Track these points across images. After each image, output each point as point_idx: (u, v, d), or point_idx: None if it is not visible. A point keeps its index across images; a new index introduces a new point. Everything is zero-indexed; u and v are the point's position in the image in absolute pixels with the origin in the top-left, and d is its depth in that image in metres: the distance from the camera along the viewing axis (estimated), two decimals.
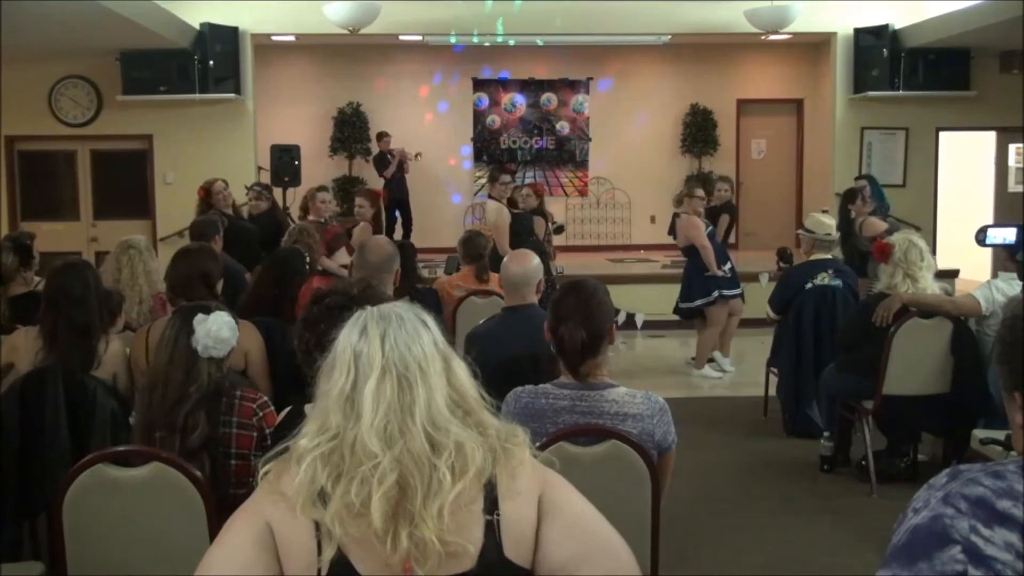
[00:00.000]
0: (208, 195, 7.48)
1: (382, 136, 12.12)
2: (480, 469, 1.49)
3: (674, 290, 9.85)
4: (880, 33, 10.75)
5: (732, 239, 10.04)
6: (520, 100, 13.39)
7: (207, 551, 1.57)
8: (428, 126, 13.14)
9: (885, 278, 5.03)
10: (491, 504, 1.52)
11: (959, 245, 9.39)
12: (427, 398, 1.51)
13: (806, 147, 13.25)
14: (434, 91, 13.25)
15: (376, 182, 11.87)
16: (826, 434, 5.38)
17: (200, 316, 2.80)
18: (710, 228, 7.63)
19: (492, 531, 1.51)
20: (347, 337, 1.56)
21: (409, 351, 1.53)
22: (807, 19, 10.58)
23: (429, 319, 1.62)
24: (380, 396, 1.49)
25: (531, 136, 13.43)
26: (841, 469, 5.35)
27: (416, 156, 12.20)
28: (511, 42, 12.28)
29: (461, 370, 1.60)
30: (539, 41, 12.40)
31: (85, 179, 10.99)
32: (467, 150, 13.46)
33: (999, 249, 5.21)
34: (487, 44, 12.50)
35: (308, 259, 4.74)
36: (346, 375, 1.52)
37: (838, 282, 5.96)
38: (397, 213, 11.95)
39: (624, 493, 2.67)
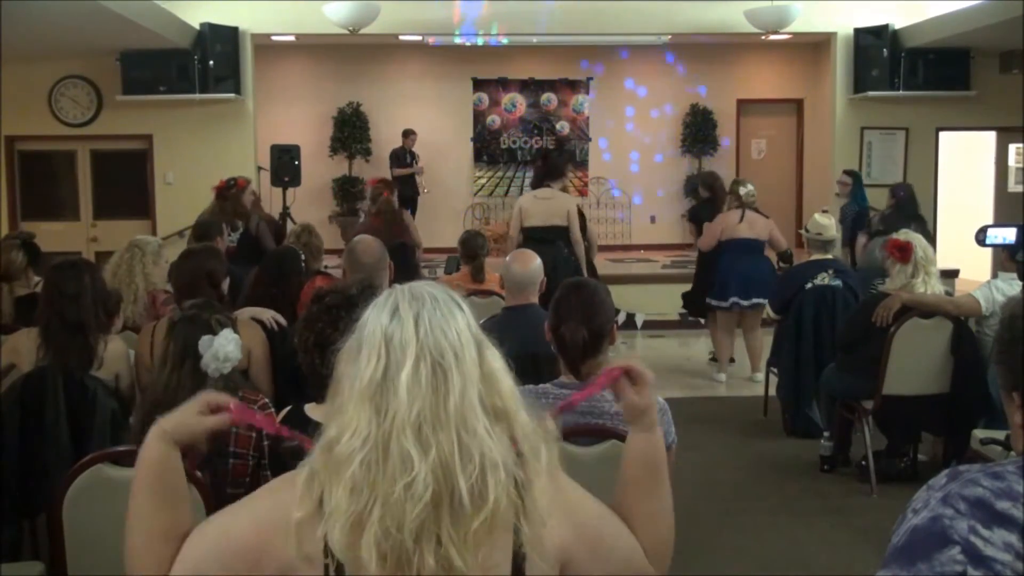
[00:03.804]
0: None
1: (408, 133, 12.12)
2: (497, 499, 1.36)
3: (674, 289, 9.91)
4: (880, 33, 10.75)
5: None
6: (520, 100, 13.39)
7: (218, 515, 1.53)
8: (428, 126, 13.14)
9: (902, 277, 4.99)
10: (518, 534, 1.42)
11: (959, 245, 9.40)
12: (461, 389, 1.37)
13: (806, 147, 13.25)
14: (434, 91, 13.24)
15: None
16: (826, 434, 5.38)
17: (205, 340, 2.77)
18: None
19: (518, 561, 1.42)
20: (376, 318, 1.41)
21: (444, 336, 1.39)
22: (807, 19, 10.58)
23: (462, 301, 1.47)
24: (415, 386, 1.36)
25: (531, 136, 13.43)
26: (841, 469, 5.35)
27: (424, 191, 12.26)
28: (506, 40, 12.30)
29: (495, 359, 1.46)
30: (535, 40, 12.41)
31: (85, 179, 10.99)
32: (467, 150, 13.45)
33: (999, 249, 5.22)
34: (482, 44, 12.51)
35: (304, 258, 4.74)
36: (376, 361, 1.38)
37: (838, 282, 5.96)
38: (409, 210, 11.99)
39: None
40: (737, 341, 7.69)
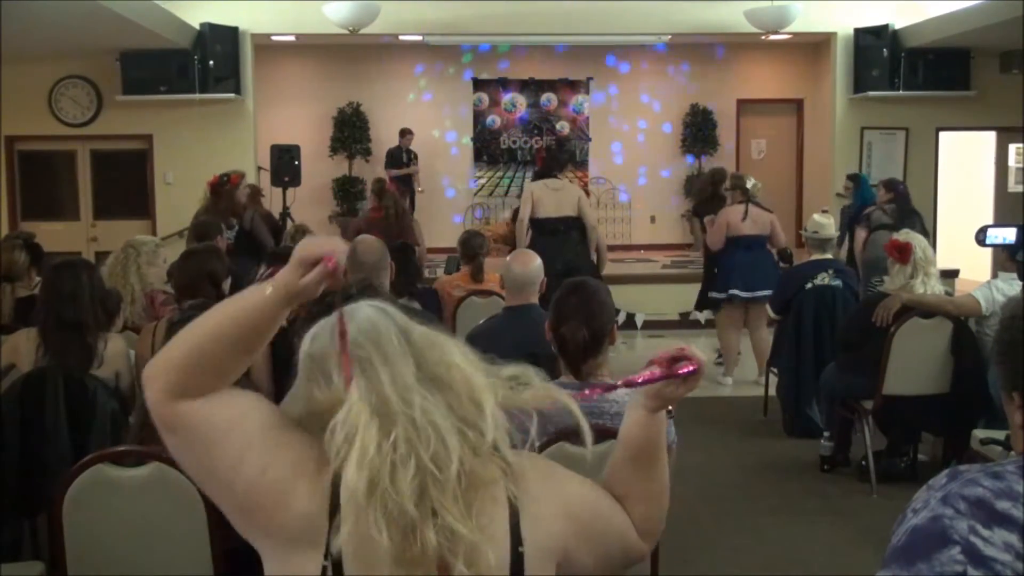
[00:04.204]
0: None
1: (405, 133, 12.11)
2: (461, 457, 1.40)
3: (673, 290, 9.91)
4: (880, 33, 10.75)
5: None
6: (520, 100, 13.39)
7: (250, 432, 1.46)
8: (427, 126, 13.14)
9: (900, 278, 4.99)
10: (515, 529, 1.45)
11: (959, 245, 9.40)
12: (389, 372, 1.42)
13: (806, 147, 13.24)
14: (433, 91, 13.24)
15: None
16: (826, 434, 5.38)
17: None
18: None
19: (515, 521, 1.45)
20: (301, 350, 1.50)
21: (358, 330, 1.44)
22: (807, 19, 10.58)
23: (388, 306, 1.53)
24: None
25: (531, 136, 13.42)
26: (841, 469, 5.35)
27: (419, 190, 12.25)
28: (509, 44, 12.31)
29: (427, 336, 1.50)
30: (534, 40, 12.42)
31: (85, 179, 10.98)
32: (467, 150, 13.45)
33: (999, 249, 5.22)
34: (484, 46, 12.52)
35: None
36: (315, 384, 1.46)
37: (838, 282, 5.97)
38: None
39: None
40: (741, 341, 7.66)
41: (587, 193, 12.93)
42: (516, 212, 11.74)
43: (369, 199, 9.17)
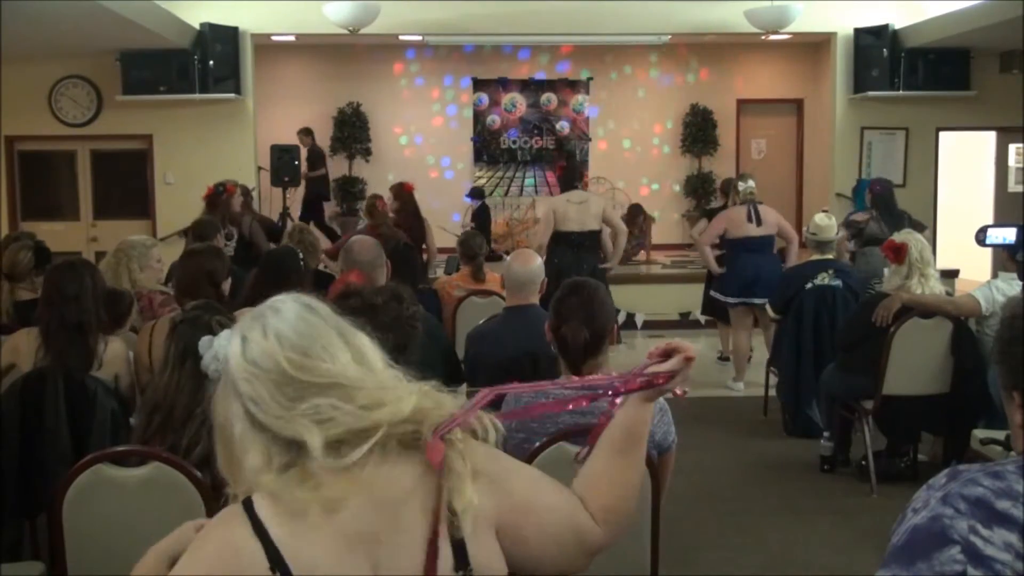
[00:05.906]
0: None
1: (308, 132, 11.99)
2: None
3: (673, 290, 9.90)
4: (880, 33, 10.74)
5: None
6: (520, 100, 13.38)
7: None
8: (427, 125, 13.13)
9: (896, 278, 5.00)
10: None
11: (959, 245, 9.40)
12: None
13: (806, 147, 13.24)
14: (433, 91, 13.24)
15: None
16: (826, 434, 5.39)
17: (205, 340, 2.76)
18: None
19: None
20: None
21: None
22: (807, 19, 10.57)
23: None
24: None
25: (531, 136, 13.42)
26: (841, 469, 5.35)
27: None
28: (509, 44, 12.31)
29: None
30: (535, 39, 12.41)
31: (85, 179, 10.98)
32: (467, 150, 13.44)
33: (999, 249, 5.22)
34: (485, 46, 12.52)
35: (302, 257, 4.72)
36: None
37: (838, 282, 5.97)
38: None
39: None
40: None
41: None
42: (472, 212, 11.70)
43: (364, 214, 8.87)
